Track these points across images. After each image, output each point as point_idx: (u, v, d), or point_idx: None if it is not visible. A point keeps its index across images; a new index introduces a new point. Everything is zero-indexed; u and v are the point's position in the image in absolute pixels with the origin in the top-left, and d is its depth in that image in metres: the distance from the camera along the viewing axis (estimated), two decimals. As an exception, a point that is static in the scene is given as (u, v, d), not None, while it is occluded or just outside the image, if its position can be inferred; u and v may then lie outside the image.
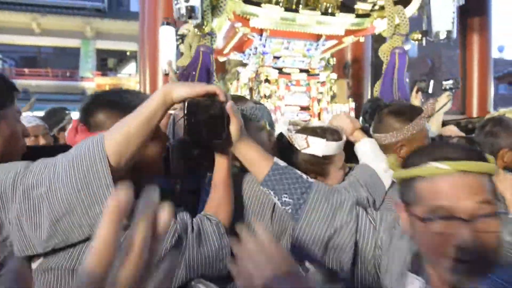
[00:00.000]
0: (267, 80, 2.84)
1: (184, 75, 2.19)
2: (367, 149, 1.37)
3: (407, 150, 1.43)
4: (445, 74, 15.50)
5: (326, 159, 1.24)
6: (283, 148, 1.28)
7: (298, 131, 1.26)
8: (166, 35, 3.46)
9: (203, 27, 2.11)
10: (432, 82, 2.84)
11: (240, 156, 0.96)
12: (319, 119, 2.92)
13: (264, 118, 1.21)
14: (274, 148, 1.25)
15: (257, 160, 0.97)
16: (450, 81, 2.72)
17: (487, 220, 0.71)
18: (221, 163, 0.97)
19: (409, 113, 1.44)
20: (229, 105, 0.86)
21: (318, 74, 2.98)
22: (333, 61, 3.31)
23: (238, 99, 1.21)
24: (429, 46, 2.77)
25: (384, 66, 2.82)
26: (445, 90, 2.71)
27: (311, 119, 2.94)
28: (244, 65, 3.35)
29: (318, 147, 1.21)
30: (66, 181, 0.75)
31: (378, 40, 8.09)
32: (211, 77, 2.23)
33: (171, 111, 1.60)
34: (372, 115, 2.14)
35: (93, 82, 16.87)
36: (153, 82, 6.32)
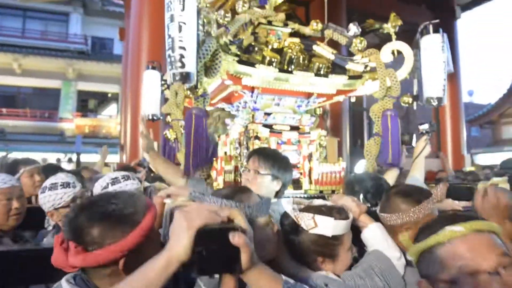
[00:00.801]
0: (257, 137, 2.78)
1: (186, 147, 2.11)
2: (377, 236, 1.30)
3: (412, 233, 1.36)
4: (420, 118, 16.02)
5: (335, 240, 1.18)
6: (288, 230, 1.21)
7: (302, 210, 1.20)
8: (151, 80, 3.32)
9: (197, 89, 2.07)
10: (414, 135, 2.87)
11: (249, 283, 0.90)
12: (310, 177, 2.86)
13: (267, 212, 1.15)
14: (279, 239, 1.18)
15: (267, 285, 0.90)
16: (426, 125, 2.77)
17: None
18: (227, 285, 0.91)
19: (417, 195, 1.41)
20: (242, 238, 0.81)
21: (309, 133, 2.95)
22: (319, 110, 3.30)
23: (243, 191, 1.15)
24: (403, 90, 2.82)
25: (375, 126, 2.82)
26: (422, 134, 2.74)
27: (302, 178, 2.87)
28: (232, 116, 3.30)
29: (326, 226, 1.15)
30: None
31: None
32: (207, 142, 2.16)
33: (166, 200, 1.50)
34: (374, 195, 2.12)
35: (72, 123, 16.59)
36: (134, 124, 6.32)
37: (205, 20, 2.33)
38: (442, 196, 1.41)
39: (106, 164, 6.46)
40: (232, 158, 2.94)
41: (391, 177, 2.60)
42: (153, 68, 3.35)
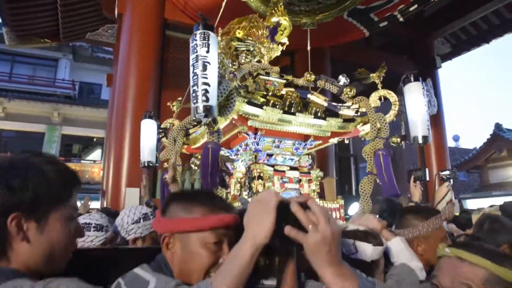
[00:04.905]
0: (260, 177, 2.93)
1: (202, 179, 2.26)
2: (402, 248, 1.42)
3: (424, 248, 1.53)
4: (407, 162, 16.49)
5: (373, 265, 1.28)
6: None
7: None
8: (148, 128, 3.46)
9: (214, 125, 2.25)
10: (427, 170, 3.05)
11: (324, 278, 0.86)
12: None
13: None
14: None
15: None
16: (447, 172, 2.95)
17: None
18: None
19: (426, 213, 1.60)
20: (298, 208, 0.84)
21: (308, 172, 3.13)
22: (312, 156, 3.48)
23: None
24: (397, 130, 3.06)
25: (368, 165, 3.01)
26: (443, 180, 2.91)
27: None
28: (231, 160, 3.46)
29: (366, 252, 1.25)
30: None
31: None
32: (221, 173, 2.32)
33: None
34: (390, 214, 2.26)
35: (54, 167, 16.26)
36: (117, 169, 6.28)
37: (220, 64, 2.56)
38: (450, 214, 1.58)
39: (88, 212, 6.36)
40: (236, 197, 3.08)
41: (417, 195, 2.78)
42: (150, 117, 3.51)
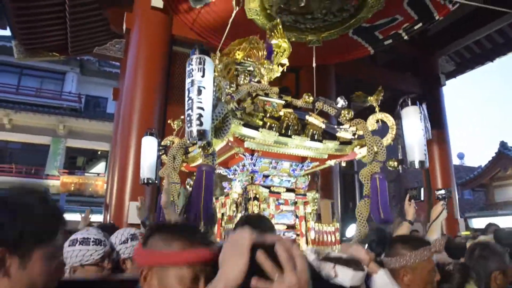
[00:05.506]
0: (256, 198, 2.93)
1: (193, 200, 2.26)
2: (385, 281, 1.41)
3: (410, 278, 1.51)
4: (411, 180, 16.38)
5: None
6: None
7: (322, 260, 1.30)
8: (148, 146, 3.48)
9: (209, 148, 2.27)
10: (422, 189, 3.06)
11: None
12: (307, 238, 2.98)
13: None
14: None
15: None
16: (442, 191, 2.96)
17: None
18: None
19: (415, 243, 1.58)
20: (264, 257, 0.78)
21: (304, 194, 3.13)
22: (307, 178, 3.47)
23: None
24: (394, 154, 3.04)
25: (365, 189, 3.00)
26: (438, 199, 2.91)
27: (299, 238, 2.99)
28: (229, 179, 3.46)
29: (346, 277, 1.24)
30: None
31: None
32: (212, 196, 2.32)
33: None
34: (379, 244, 2.24)
35: (58, 180, 16.36)
36: (122, 183, 6.26)
37: (216, 88, 2.59)
38: (441, 247, 1.56)
39: (90, 225, 6.33)
40: (232, 218, 3.07)
41: (402, 233, 2.73)
42: (151, 134, 3.54)
